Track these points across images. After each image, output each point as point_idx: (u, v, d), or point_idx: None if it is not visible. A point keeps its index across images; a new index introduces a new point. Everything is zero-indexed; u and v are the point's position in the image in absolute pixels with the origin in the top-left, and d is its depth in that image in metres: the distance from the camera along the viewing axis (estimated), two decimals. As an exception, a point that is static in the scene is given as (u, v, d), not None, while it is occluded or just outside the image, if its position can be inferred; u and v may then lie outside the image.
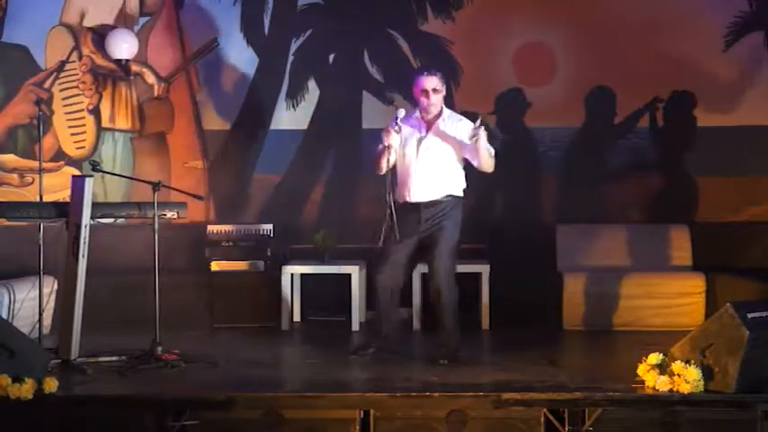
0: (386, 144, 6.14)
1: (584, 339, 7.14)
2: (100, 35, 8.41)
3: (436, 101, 6.21)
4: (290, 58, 8.47)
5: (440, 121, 6.25)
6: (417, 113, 6.29)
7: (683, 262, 7.82)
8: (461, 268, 7.35)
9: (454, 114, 6.36)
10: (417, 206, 6.20)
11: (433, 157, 6.21)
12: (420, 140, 6.22)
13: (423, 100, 6.22)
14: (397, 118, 6.12)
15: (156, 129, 8.51)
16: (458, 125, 6.26)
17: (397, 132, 6.16)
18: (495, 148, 6.23)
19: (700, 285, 7.42)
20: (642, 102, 8.28)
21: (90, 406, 5.25)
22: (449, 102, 8.32)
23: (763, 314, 5.15)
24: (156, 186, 6.19)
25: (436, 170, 6.21)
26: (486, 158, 6.15)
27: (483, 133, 6.02)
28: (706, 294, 7.40)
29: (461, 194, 6.30)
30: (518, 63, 8.35)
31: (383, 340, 6.41)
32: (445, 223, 6.19)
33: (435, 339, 6.37)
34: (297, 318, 7.85)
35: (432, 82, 6.18)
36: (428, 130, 6.24)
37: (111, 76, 8.48)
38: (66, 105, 8.48)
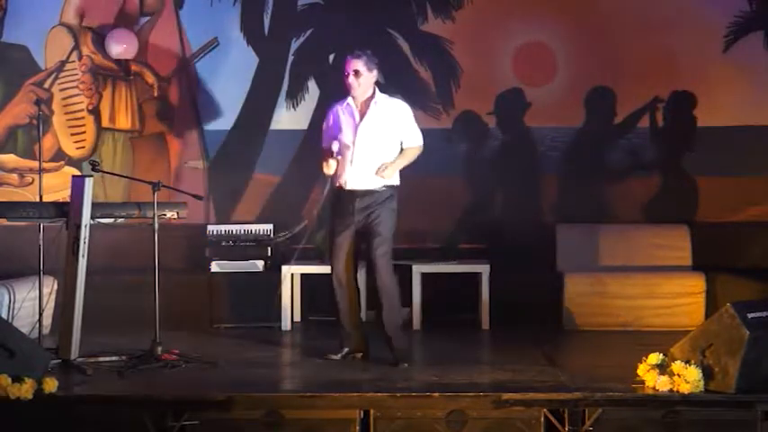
0: (328, 174, 6.17)
1: (584, 339, 7.14)
2: (100, 35, 8.41)
3: (357, 84, 6.11)
4: (290, 58, 8.47)
5: (372, 104, 6.18)
6: (350, 99, 6.22)
7: (683, 262, 7.81)
8: (461, 268, 7.38)
9: (388, 99, 6.26)
10: (352, 194, 6.15)
11: (369, 144, 6.14)
12: (356, 127, 6.15)
13: (345, 81, 6.17)
14: (333, 151, 6.14)
15: (156, 129, 8.51)
16: (391, 109, 6.20)
17: (335, 159, 6.13)
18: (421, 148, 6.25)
19: (700, 285, 7.42)
20: (642, 102, 8.28)
21: (90, 406, 5.25)
22: (448, 101, 8.36)
23: (763, 314, 5.15)
24: (156, 186, 6.19)
25: (372, 158, 6.13)
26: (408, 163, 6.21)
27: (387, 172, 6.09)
28: (706, 294, 7.40)
29: (397, 183, 6.23)
30: (518, 63, 8.35)
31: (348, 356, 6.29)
32: (380, 214, 6.12)
33: (384, 341, 6.22)
34: (297, 318, 7.85)
35: (353, 64, 6.12)
36: (362, 116, 6.18)
37: (111, 76, 8.48)
38: (66, 105, 8.48)
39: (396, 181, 6.21)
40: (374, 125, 6.16)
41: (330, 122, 6.30)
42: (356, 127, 6.15)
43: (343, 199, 6.19)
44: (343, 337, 6.34)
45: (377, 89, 6.24)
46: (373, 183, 6.14)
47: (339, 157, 6.13)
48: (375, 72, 6.20)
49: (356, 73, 6.11)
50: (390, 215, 6.18)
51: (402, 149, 6.20)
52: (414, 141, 6.23)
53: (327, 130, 6.31)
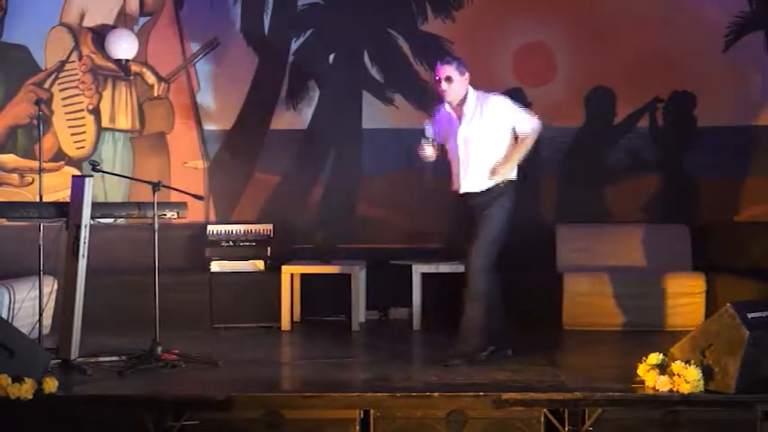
0: (429, 159, 6.13)
1: (584, 339, 7.13)
2: (100, 35, 8.42)
3: (450, 89, 6.07)
4: (290, 58, 8.47)
5: (466, 107, 6.10)
6: (446, 105, 6.19)
7: (683, 262, 7.81)
8: (462, 268, 7.35)
9: (481, 95, 6.16)
10: (467, 196, 6.12)
11: (474, 146, 6.07)
12: (456, 134, 6.12)
13: (437, 88, 6.14)
14: (425, 136, 6.08)
15: (156, 129, 8.51)
16: (487, 106, 6.10)
17: (431, 145, 6.09)
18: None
19: (700, 285, 7.42)
20: (642, 102, 8.28)
21: (90, 406, 5.25)
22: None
23: (763, 314, 5.15)
24: (156, 186, 6.19)
25: (480, 159, 6.07)
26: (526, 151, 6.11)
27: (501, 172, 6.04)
28: (706, 294, 7.40)
29: (513, 177, 6.14)
30: (518, 63, 8.35)
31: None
32: (490, 211, 6.04)
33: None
34: (297, 318, 7.85)
35: (445, 70, 6.08)
36: (460, 121, 6.13)
37: (111, 76, 8.48)
38: (66, 105, 8.49)
39: (511, 175, 6.13)
40: (473, 128, 6.09)
41: (439, 124, 6.24)
42: (456, 133, 6.13)
43: (462, 203, 6.18)
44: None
45: (470, 89, 6.15)
46: (485, 183, 6.09)
47: (434, 143, 6.09)
48: (467, 75, 6.13)
49: (448, 79, 6.07)
50: (499, 213, 6.08)
51: (516, 141, 6.11)
52: (524, 127, 6.11)
53: (439, 132, 6.22)
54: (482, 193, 6.09)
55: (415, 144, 6.15)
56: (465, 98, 6.13)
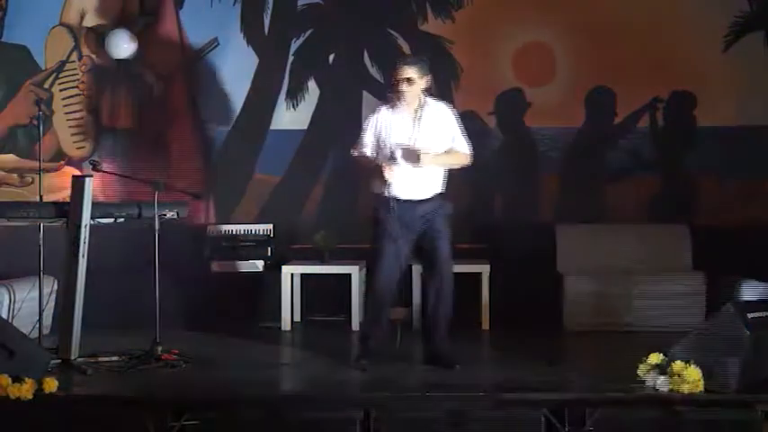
0: (390, 180, 5.98)
1: (585, 339, 7.14)
2: (100, 35, 8.41)
3: (409, 91, 5.95)
4: (290, 58, 8.47)
5: (424, 111, 6.02)
6: (400, 105, 6.04)
7: (683, 262, 7.81)
8: (461, 268, 7.38)
9: (436, 103, 6.15)
10: (413, 203, 6.01)
11: (427, 150, 5.96)
12: (411, 139, 5.99)
13: (395, 88, 5.99)
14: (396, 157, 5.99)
15: (156, 129, 8.50)
16: (440, 113, 6.08)
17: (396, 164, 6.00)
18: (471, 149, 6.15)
19: (700, 285, 7.42)
20: (642, 102, 8.28)
21: (90, 406, 5.25)
22: (448, 101, 8.31)
23: (763, 314, 5.15)
24: (156, 186, 6.19)
25: (429, 167, 6.02)
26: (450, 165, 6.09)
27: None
28: (706, 294, 7.40)
29: (443, 191, 6.13)
30: (518, 63, 8.35)
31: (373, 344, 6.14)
32: (442, 222, 6.04)
33: (433, 346, 6.13)
34: (297, 318, 7.86)
35: (406, 72, 5.95)
36: (415, 123, 6.02)
37: (112, 75, 8.47)
38: (66, 105, 8.48)
39: (443, 188, 6.12)
40: (429, 132, 6.01)
41: (379, 127, 6.11)
42: (411, 135, 6.00)
43: (402, 207, 6.00)
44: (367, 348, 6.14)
45: (426, 95, 6.09)
46: (431, 190, 6.03)
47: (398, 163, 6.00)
48: (427, 77, 6.04)
49: (409, 80, 5.95)
50: (447, 221, 6.08)
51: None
52: (462, 148, 6.11)
53: (378, 135, 6.11)
54: (430, 200, 6.04)
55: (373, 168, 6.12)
56: (423, 101, 6.06)
